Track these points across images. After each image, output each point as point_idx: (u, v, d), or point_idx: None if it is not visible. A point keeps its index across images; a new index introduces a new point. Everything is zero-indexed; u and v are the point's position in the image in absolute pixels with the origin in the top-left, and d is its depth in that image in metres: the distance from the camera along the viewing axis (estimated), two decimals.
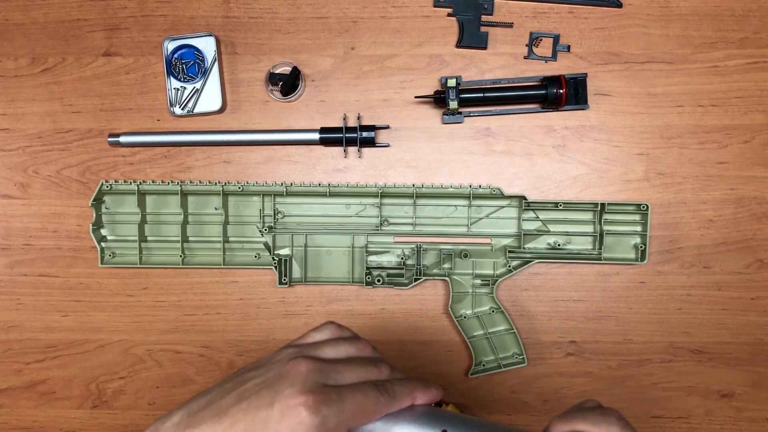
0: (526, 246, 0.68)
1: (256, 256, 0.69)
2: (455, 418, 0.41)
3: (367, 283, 0.68)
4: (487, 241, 0.69)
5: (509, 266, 0.68)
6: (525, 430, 0.48)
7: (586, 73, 0.67)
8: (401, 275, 0.68)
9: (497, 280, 0.68)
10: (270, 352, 0.40)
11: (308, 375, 0.35)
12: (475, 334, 0.68)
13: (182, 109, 0.69)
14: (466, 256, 0.68)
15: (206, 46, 0.68)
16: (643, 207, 0.67)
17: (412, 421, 0.39)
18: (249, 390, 0.35)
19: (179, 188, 0.68)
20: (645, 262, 0.67)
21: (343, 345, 0.40)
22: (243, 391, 0.35)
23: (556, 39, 0.68)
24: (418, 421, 0.39)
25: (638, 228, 0.68)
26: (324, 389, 0.35)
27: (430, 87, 0.69)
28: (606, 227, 0.68)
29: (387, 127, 0.69)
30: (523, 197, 0.67)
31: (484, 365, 0.68)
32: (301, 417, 0.33)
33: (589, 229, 0.68)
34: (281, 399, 0.34)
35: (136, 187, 0.68)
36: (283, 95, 0.68)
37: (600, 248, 0.67)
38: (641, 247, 0.67)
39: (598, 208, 0.67)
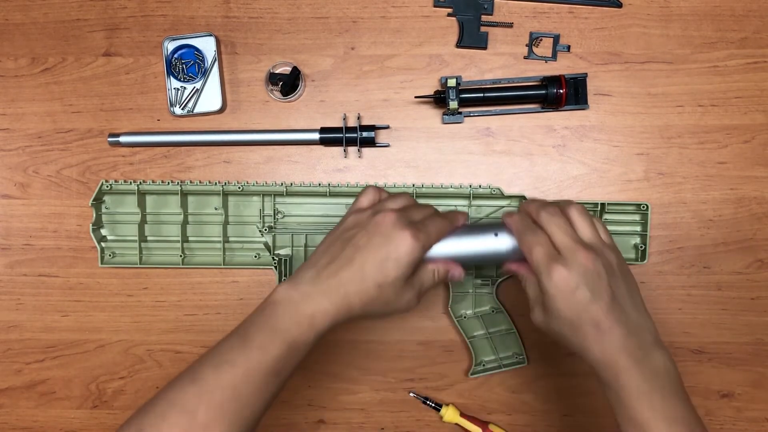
0: None
1: (256, 256, 0.69)
2: (493, 225, 0.55)
3: None
4: None
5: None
6: None
7: (586, 73, 0.67)
8: None
9: (497, 280, 0.68)
10: None
11: (398, 220, 0.48)
12: (475, 334, 0.68)
13: (182, 109, 0.69)
14: None
15: (206, 46, 0.68)
16: (643, 207, 0.67)
17: (469, 235, 0.54)
18: (361, 241, 0.48)
19: (179, 188, 0.68)
20: (645, 262, 0.67)
21: (395, 199, 0.53)
22: (356, 243, 0.48)
23: (556, 39, 0.68)
24: (473, 234, 0.54)
25: (638, 228, 0.68)
26: (414, 225, 0.49)
27: (430, 87, 0.69)
28: (606, 227, 0.67)
29: (387, 127, 0.69)
30: (523, 197, 0.67)
31: (484, 365, 0.68)
32: (411, 244, 0.47)
33: None
34: (392, 237, 0.47)
35: (136, 187, 0.68)
36: (283, 95, 0.68)
37: None
38: (641, 247, 0.67)
39: (598, 208, 0.67)
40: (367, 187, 0.54)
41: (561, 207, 0.51)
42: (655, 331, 0.49)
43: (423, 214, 0.52)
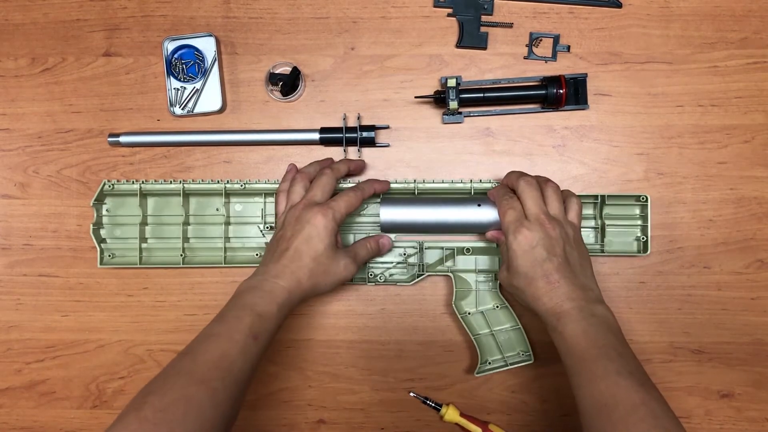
0: None
1: (257, 255, 0.69)
2: (478, 199, 0.64)
3: (369, 281, 0.68)
4: None
5: None
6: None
7: (586, 73, 0.67)
8: (403, 273, 0.68)
9: None
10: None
11: (304, 207, 0.59)
12: (480, 331, 0.67)
13: (182, 109, 0.69)
14: (468, 252, 0.68)
15: (206, 46, 0.68)
16: (643, 198, 0.67)
17: (455, 205, 0.63)
18: (288, 234, 0.58)
19: (181, 186, 0.68)
20: (648, 253, 0.67)
21: (294, 189, 0.61)
22: (285, 237, 0.58)
23: (556, 39, 0.68)
24: (459, 204, 0.64)
25: (639, 221, 0.68)
26: (320, 204, 0.59)
27: (430, 87, 0.69)
28: (607, 221, 0.68)
29: (387, 127, 0.69)
30: None
31: (490, 363, 0.67)
32: (321, 220, 0.57)
33: (590, 222, 0.68)
34: (307, 220, 0.57)
35: (138, 187, 0.68)
36: (283, 95, 0.68)
37: (602, 242, 0.67)
38: (642, 239, 0.67)
39: (598, 201, 0.67)
40: (276, 196, 0.64)
41: (539, 181, 0.60)
42: (599, 294, 0.58)
43: (322, 188, 0.60)
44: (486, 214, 0.63)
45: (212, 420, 0.48)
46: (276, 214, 0.63)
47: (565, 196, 0.61)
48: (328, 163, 0.65)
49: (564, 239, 0.57)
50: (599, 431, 0.49)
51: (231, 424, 0.52)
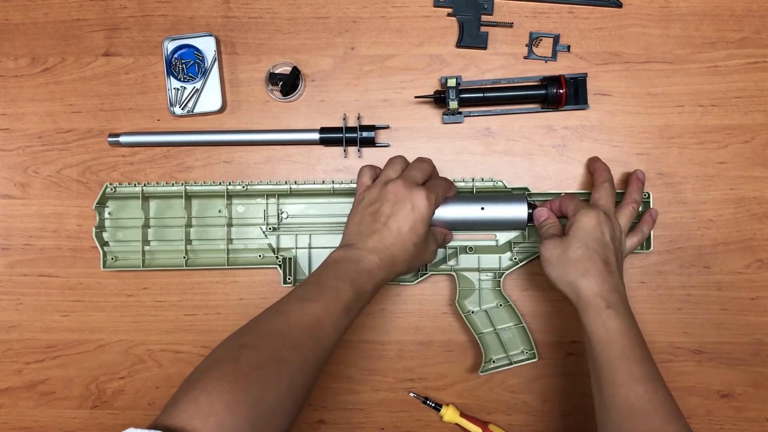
0: (530, 239, 0.68)
1: (259, 257, 0.69)
2: (481, 197, 0.65)
3: None
4: (492, 236, 0.68)
5: (514, 259, 0.68)
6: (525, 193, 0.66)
7: (586, 73, 0.67)
8: None
9: (503, 273, 0.67)
10: None
11: (409, 185, 0.57)
12: (484, 330, 0.67)
13: (182, 109, 0.69)
14: (471, 250, 0.68)
15: (206, 46, 0.68)
16: (645, 195, 0.67)
17: (458, 204, 0.63)
18: (387, 211, 0.56)
19: (183, 189, 0.68)
20: (650, 250, 0.67)
21: (392, 166, 0.60)
22: (384, 213, 0.56)
23: (556, 39, 0.68)
24: (462, 203, 0.63)
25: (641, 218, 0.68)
26: (424, 187, 0.58)
27: (430, 87, 0.69)
28: None
29: (387, 127, 0.69)
30: (527, 189, 0.67)
31: (494, 362, 0.67)
32: (427, 204, 0.56)
33: None
34: (412, 201, 0.56)
35: (140, 190, 0.68)
36: (283, 95, 0.68)
37: None
38: None
39: None
40: (362, 168, 0.62)
41: (626, 201, 0.63)
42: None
43: (422, 172, 0.59)
44: (489, 212, 0.63)
45: (299, 388, 0.48)
46: (359, 184, 0.61)
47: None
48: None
49: (620, 242, 0.60)
50: None
51: (309, 396, 0.50)
